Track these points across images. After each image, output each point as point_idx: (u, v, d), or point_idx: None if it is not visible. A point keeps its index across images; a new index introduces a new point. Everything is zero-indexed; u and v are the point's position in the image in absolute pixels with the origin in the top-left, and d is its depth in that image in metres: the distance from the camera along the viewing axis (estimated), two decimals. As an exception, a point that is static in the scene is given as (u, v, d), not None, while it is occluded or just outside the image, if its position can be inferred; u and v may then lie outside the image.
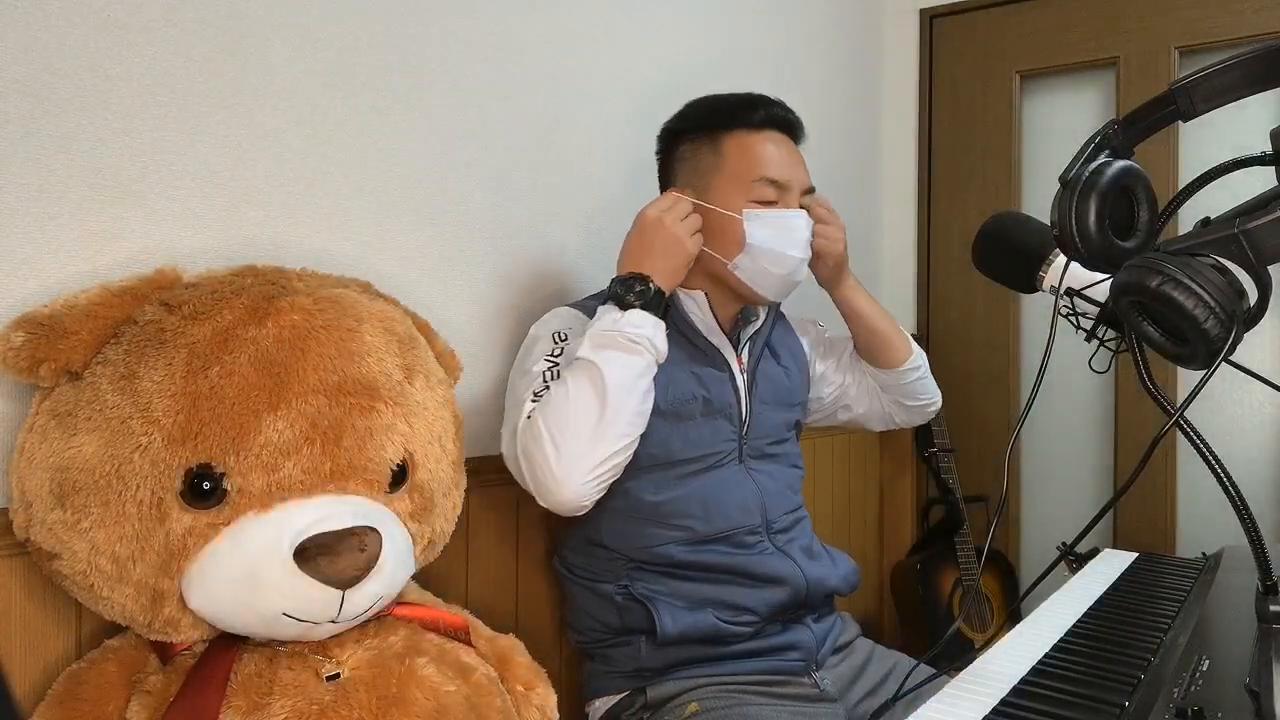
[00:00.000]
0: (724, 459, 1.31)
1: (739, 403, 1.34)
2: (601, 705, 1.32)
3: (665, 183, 1.39)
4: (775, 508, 1.34)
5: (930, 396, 1.56)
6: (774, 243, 1.26)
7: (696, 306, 1.34)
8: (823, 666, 1.32)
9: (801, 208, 1.30)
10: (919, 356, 1.51)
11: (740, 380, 1.34)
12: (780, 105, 1.34)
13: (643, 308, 1.19)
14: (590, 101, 1.57)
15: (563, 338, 1.25)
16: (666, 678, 1.26)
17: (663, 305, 1.22)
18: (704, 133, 1.31)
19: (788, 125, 1.33)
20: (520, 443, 1.17)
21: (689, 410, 1.28)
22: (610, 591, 1.28)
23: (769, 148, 1.28)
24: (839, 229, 1.37)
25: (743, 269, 1.27)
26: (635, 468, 1.23)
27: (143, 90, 0.99)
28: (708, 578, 1.28)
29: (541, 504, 1.19)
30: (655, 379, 1.22)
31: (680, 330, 1.32)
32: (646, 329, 1.18)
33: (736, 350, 1.36)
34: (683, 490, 1.27)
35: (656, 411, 1.22)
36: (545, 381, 1.20)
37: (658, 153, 1.40)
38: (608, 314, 1.20)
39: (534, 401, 1.19)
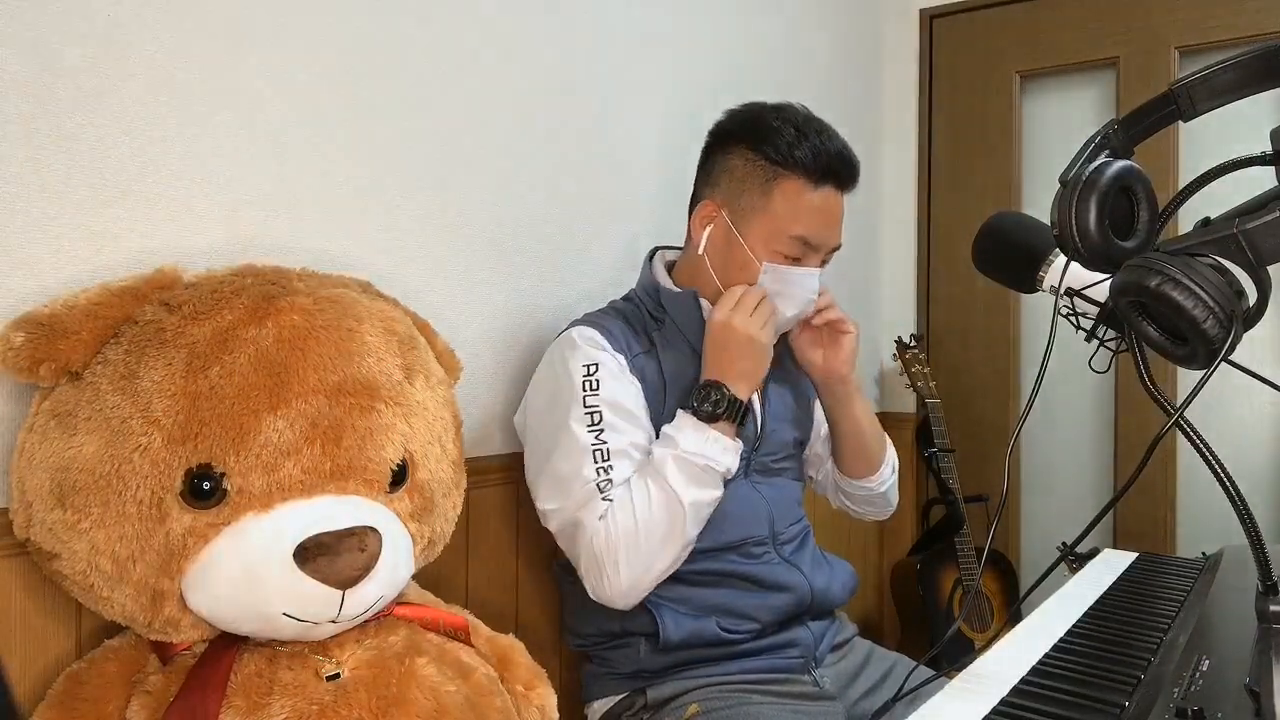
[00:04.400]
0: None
1: (755, 419, 1.33)
2: (600, 707, 1.32)
3: (702, 179, 1.34)
4: (781, 520, 1.34)
5: (888, 510, 1.53)
6: (778, 297, 1.26)
7: None
8: (821, 664, 1.32)
9: (822, 263, 1.30)
10: (891, 467, 1.48)
11: (754, 395, 1.32)
12: (845, 153, 1.28)
13: (723, 417, 1.19)
14: (591, 103, 1.57)
15: (594, 386, 1.21)
16: (666, 679, 1.26)
17: (739, 412, 1.20)
18: (761, 160, 1.25)
19: (847, 180, 1.29)
20: (588, 542, 1.17)
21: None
22: None
23: (816, 210, 1.25)
24: (853, 332, 1.35)
25: None
26: None
27: (143, 90, 0.99)
28: (714, 583, 1.28)
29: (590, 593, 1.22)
30: (675, 387, 1.25)
31: (703, 340, 1.29)
32: (728, 459, 1.19)
33: None
34: None
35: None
36: (607, 462, 1.18)
37: (707, 147, 1.35)
38: (690, 430, 1.19)
39: (603, 498, 1.17)
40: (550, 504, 1.22)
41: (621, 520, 1.16)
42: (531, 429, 1.27)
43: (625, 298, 1.40)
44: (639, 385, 1.25)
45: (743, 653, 1.27)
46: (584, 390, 1.21)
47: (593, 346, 1.24)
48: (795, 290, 1.27)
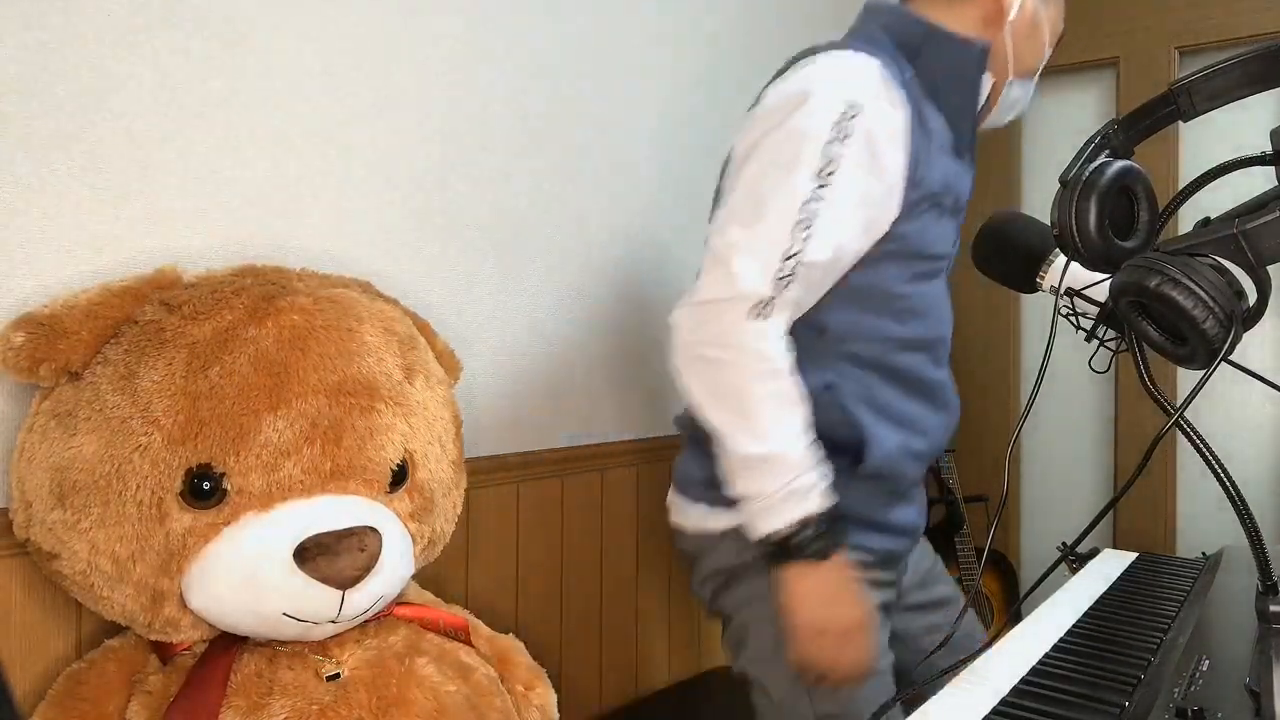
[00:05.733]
0: (943, 268, 1.14)
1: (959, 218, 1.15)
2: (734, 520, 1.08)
3: None
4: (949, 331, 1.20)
5: None
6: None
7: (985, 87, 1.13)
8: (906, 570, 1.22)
9: None
10: None
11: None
12: None
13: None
14: (590, 101, 1.57)
15: (828, 172, 0.99)
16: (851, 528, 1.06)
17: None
18: None
19: None
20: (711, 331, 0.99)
21: (945, 204, 1.09)
22: (814, 384, 1.05)
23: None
24: None
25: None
26: (888, 255, 1.05)
27: (143, 90, 0.99)
28: (905, 390, 1.10)
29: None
30: (928, 154, 1.05)
31: (957, 105, 1.10)
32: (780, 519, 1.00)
33: None
34: (922, 287, 1.10)
35: (929, 194, 1.05)
36: (803, 233, 0.97)
37: None
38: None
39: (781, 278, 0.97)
40: (735, 255, 1.00)
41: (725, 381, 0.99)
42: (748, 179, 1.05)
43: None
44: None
45: (878, 524, 1.11)
46: (818, 170, 1.00)
47: (856, 118, 1.01)
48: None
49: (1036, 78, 1.17)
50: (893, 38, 1.10)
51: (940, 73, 1.09)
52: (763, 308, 0.98)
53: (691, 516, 1.14)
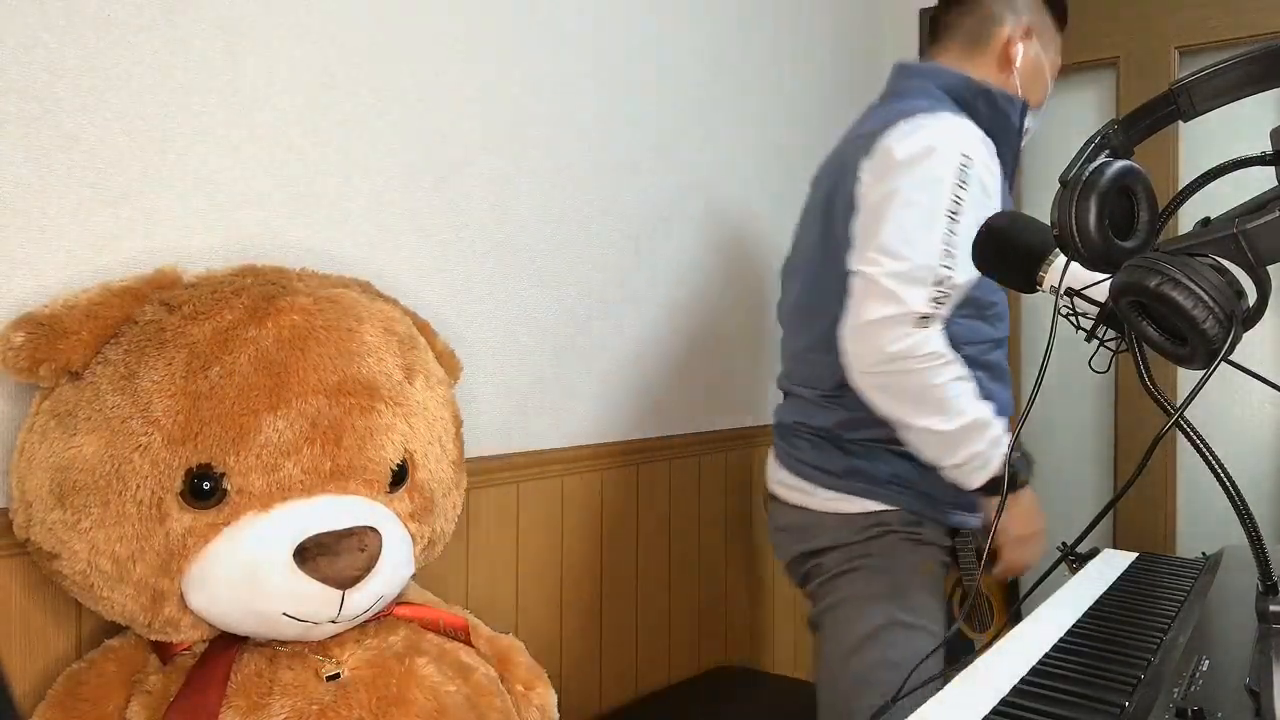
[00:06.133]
0: None
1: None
2: (869, 505, 1.32)
3: (1001, 3, 1.44)
4: None
5: None
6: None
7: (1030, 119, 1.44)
8: None
9: None
10: None
11: None
12: None
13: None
14: (591, 101, 1.57)
15: (958, 201, 1.22)
16: (951, 510, 1.33)
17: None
18: (1051, 9, 1.48)
19: None
20: (894, 339, 1.19)
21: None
22: None
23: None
24: None
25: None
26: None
27: (143, 90, 0.99)
28: (993, 378, 1.35)
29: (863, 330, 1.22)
30: (1000, 187, 1.30)
31: (1006, 146, 1.37)
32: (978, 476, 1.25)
33: None
34: (1001, 295, 1.35)
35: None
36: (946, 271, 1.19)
37: None
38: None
39: (931, 307, 1.19)
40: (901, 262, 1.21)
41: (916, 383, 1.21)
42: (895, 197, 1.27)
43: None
44: None
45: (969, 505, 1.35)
46: (955, 191, 1.23)
47: (976, 164, 1.26)
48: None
49: (1041, 109, 1.47)
50: (951, 96, 1.36)
51: (990, 121, 1.36)
52: (924, 321, 1.19)
53: (819, 499, 1.36)
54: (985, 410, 1.24)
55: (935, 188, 1.21)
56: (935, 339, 1.19)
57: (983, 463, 1.23)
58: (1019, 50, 1.41)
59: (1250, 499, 0.70)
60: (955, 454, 1.23)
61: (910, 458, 1.30)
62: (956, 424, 1.21)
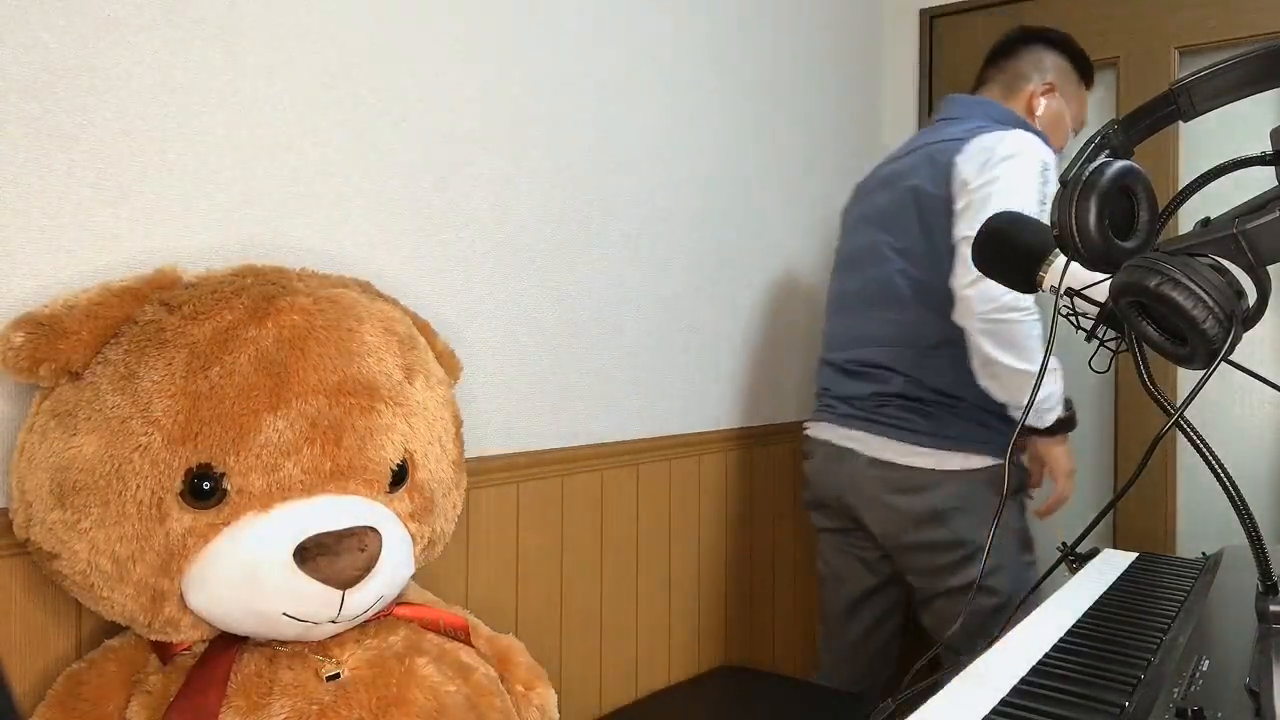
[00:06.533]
0: None
1: None
2: (984, 461, 1.61)
3: (1030, 63, 1.76)
4: None
5: None
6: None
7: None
8: None
9: None
10: None
11: None
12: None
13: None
14: (591, 101, 1.57)
15: (1044, 187, 1.53)
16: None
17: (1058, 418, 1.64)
18: (1070, 66, 1.79)
19: None
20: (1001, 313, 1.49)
21: None
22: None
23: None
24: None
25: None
26: None
27: (143, 90, 0.99)
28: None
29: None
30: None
31: None
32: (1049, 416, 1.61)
33: None
34: None
35: None
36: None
37: (1020, 39, 1.79)
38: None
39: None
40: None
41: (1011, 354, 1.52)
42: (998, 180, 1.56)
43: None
44: None
45: None
46: (1041, 179, 1.55)
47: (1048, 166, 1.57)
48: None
49: (1061, 153, 1.75)
50: (1000, 124, 1.65)
51: None
52: None
53: (954, 461, 1.62)
54: (1055, 363, 1.57)
55: (1028, 178, 1.52)
56: (1025, 299, 1.47)
57: (1054, 403, 1.58)
58: (1041, 103, 1.76)
59: (1250, 499, 0.70)
60: (1032, 395, 1.43)
61: (981, 414, 1.61)
62: (1037, 368, 1.38)
